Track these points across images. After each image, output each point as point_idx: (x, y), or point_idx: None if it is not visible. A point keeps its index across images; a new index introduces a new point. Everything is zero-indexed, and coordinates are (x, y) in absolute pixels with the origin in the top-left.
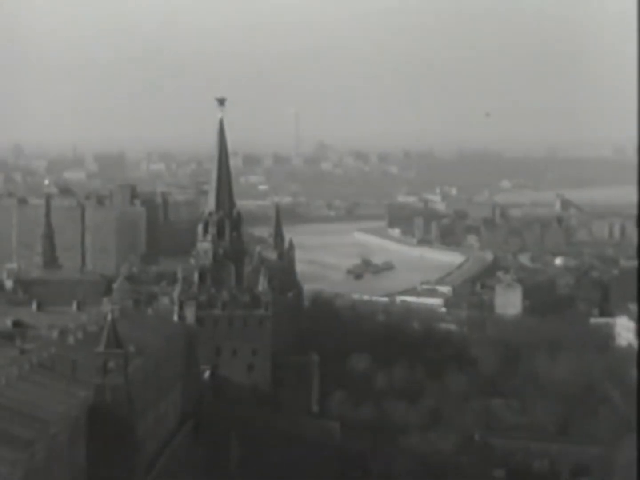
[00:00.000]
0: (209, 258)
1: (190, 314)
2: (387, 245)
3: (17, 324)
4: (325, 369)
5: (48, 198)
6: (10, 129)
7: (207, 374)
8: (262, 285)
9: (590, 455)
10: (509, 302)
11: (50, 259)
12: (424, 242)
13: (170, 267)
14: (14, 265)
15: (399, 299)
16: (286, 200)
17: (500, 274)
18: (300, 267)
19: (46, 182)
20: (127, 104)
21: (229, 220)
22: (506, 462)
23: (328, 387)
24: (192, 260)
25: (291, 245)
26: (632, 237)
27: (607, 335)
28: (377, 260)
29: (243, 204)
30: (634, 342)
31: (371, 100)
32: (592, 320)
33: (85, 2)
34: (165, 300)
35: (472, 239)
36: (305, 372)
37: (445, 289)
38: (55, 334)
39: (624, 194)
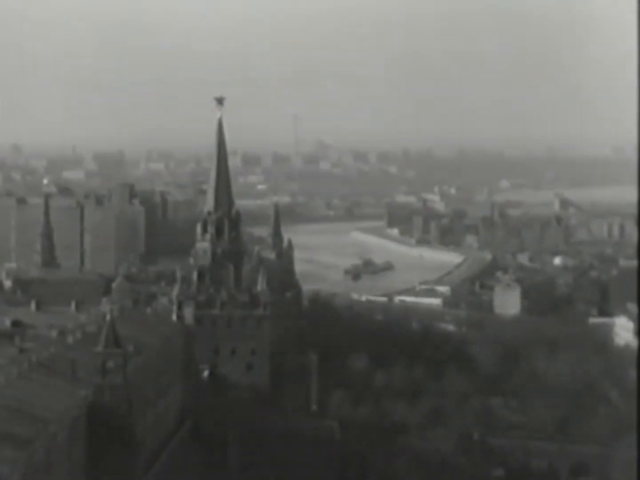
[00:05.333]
0: (208, 258)
1: (189, 313)
2: (385, 245)
3: (16, 323)
4: (324, 369)
5: (47, 197)
6: (9, 128)
7: (205, 373)
8: (260, 285)
9: (589, 454)
10: (508, 302)
11: (49, 259)
12: (422, 241)
13: (169, 267)
14: (12, 265)
15: (398, 298)
16: (285, 199)
17: (499, 273)
18: (299, 267)
19: (45, 181)
20: (127, 103)
21: (227, 220)
22: (505, 462)
23: (327, 386)
24: (190, 260)
25: (290, 245)
26: (632, 237)
27: (606, 335)
28: (376, 260)
29: (242, 203)
30: (633, 342)
31: (370, 100)
32: (591, 320)
33: (85, 1)
34: (164, 300)
35: (471, 239)
36: (304, 371)
37: (444, 288)
38: (54, 333)
39: (623, 194)
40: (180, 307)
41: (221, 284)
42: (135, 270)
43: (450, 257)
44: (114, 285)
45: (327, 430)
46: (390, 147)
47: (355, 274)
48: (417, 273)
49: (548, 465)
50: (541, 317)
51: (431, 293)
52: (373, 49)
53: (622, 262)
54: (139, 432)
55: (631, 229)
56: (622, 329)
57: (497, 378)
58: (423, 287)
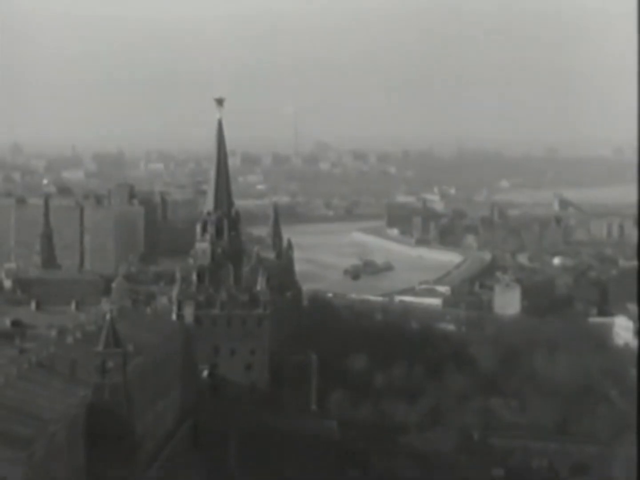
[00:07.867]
0: (208, 258)
1: (188, 313)
2: (385, 245)
3: (16, 323)
4: (324, 369)
5: (47, 198)
6: (9, 128)
7: (205, 373)
8: (260, 284)
9: (589, 454)
10: (508, 302)
11: (49, 259)
12: (422, 242)
13: (169, 267)
14: (12, 265)
15: (398, 299)
16: (284, 199)
17: (498, 273)
18: (298, 267)
19: (45, 181)
20: (126, 103)
21: (227, 220)
22: (505, 461)
23: (327, 386)
24: (190, 260)
25: (290, 244)
26: (631, 237)
27: (606, 335)
28: (376, 260)
29: (241, 203)
30: (632, 342)
31: (370, 100)
32: (591, 320)
33: (84, 1)
34: (163, 299)
35: (470, 239)
36: (304, 371)
37: (443, 289)
38: (54, 333)
39: (623, 194)
40: (180, 307)
41: (221, 284)
42: (135, 270)
43: (449, 257)
44: (113, 285)
45: (326, 430)
46: (390, 147)
47: (354, 274)
48: (416, 273)
49: (548, 465)
50: (541, 317)
51: (431, 293)
52: (373, 49)
53: (622, 262)
54: (139, 431)
55: (630, 229)
56: (621, 328)
57: (497, 378)
58: (423, 287)
